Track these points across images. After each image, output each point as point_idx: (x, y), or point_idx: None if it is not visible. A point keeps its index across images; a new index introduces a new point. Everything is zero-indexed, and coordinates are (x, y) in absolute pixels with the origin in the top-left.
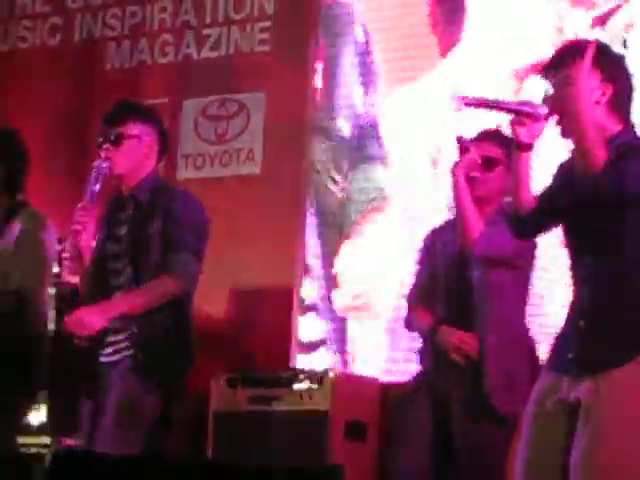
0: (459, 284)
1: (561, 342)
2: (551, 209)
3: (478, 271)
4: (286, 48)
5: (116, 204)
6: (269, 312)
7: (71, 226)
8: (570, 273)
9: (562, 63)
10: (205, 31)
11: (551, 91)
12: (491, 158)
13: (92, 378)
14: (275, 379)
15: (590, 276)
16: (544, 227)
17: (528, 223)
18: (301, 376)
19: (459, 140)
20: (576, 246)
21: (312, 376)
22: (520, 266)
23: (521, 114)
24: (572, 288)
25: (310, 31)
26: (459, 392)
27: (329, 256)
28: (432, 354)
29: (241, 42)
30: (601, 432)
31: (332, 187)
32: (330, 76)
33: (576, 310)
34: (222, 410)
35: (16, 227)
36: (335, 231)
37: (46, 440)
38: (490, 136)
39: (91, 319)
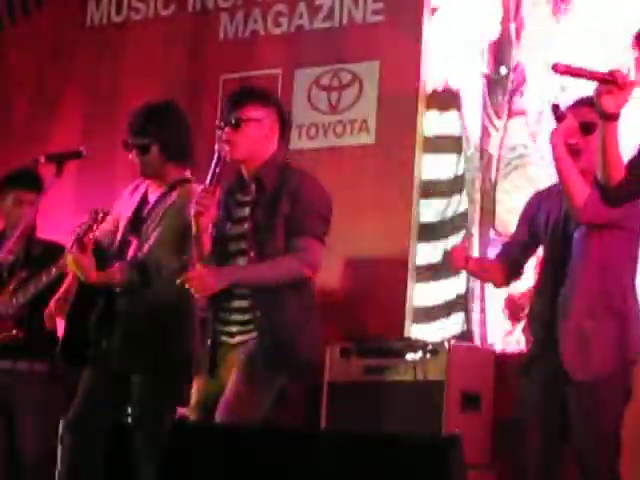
0: (560, 251)
1: None
2: None
3: (579, 234)
4: (399, 17)
5: (237, 186)
6: (383, 281)
7: (193, 208)
8: None
9: None
10: (318, 1)
11: None
12: (589, 123)
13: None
14: (389, 349)
15: None
16: (636, 195)
17: (619, 192)
18: (415, 346)
19: (555, 108)
20: None
21: (426, 347)
22: (629, 228)
23: (607, 82)
24: None
25: (422, 1)
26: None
27: None
28: (541, 325)
29: (354, 12)
30: None
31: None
32: None
33: None
34: (336, 380)
35: (169, 201)
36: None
37: None
38: (586, 102)
39: (212, 280)
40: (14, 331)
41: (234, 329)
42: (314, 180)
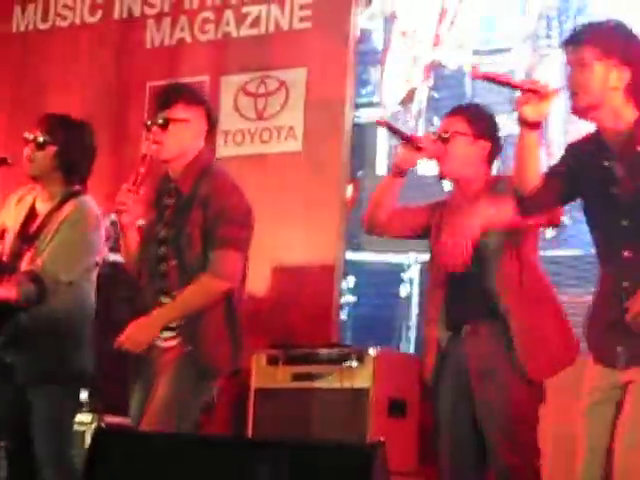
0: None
1: (604, 334)
2: (564, 189)
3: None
4: (326, 24)
5: (163, 187)
6: (311, 288)
7: (115, 206)
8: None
9: (583, 42)
10: (245, 9)
11: (569, 68)
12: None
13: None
14: (316, 356)
15: (630, 267)
16: (551, 205)
17: (534, 201)
18: (342, 353)
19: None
20: (607, 233)
21: (354, 353)
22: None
23: (527, 91)
24: (602, 274)
25: (350, 7)
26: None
27: None
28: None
29: (281, 19)
30: None
31: None
32: None
33: (614, 298)
34: (263, 387)
35: (62, 214)
36: None
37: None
38: (451, 112)
39: (142, 337)
40: None
41: (165, 334)
42: (229, 185)
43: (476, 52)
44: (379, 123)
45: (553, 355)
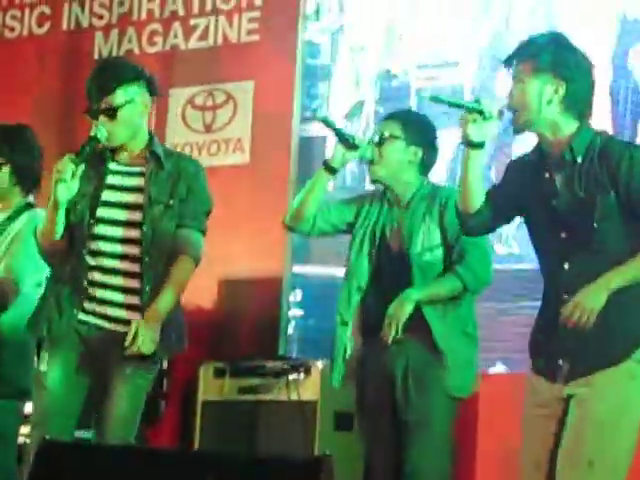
0: None
1: (546, 347)
2: (508, 206)
3: None
4: (274, 37)
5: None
6: (257, 301)
7: (54, 174)
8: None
9: (518, 58)
10: (193, 21)
11: (510, 85)
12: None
13: None
14: (263, 369)
15: (569, 279)
16: (494, 224)
17: (477, 220)
18: (288, 366)
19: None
20: (549, 246)
21: (300, 366)
22: None
23: (473, 111)
24: (545, 287)
25: (298, 20)
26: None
27: None
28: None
29: (229, 32)
30: (591, 420)
31: None
32: None
33: (555, 311)
34: (210, 399)
35: (14, 228)
36: None
37: None
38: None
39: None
40: None
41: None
42: (201, 168)
43: (423, 66)
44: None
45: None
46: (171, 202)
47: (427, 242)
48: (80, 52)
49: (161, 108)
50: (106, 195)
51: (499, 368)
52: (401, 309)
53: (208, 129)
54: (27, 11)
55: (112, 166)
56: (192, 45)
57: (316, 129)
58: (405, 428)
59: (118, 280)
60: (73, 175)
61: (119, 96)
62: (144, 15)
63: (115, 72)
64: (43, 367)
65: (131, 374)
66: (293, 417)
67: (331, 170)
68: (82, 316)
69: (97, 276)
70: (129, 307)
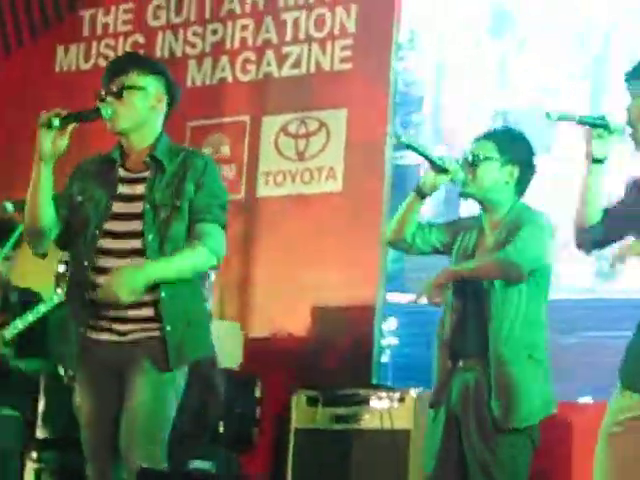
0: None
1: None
2: (624, 225)
3: None
4: (367, 65)
5: (117, 160)
6: (351, 329)
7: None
8: None
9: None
10: (285, 49)
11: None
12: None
13: None
14: (356, 397)
15: None
16: (606, 242)
17: (589, 235)
18: (381, 394)
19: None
20: None
21: (393, 394)
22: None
23: (597, 126)
24: None
25: (391, 48)
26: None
27: None
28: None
29: (322, 60)
30: None
31: None
32: None
33: None
34: (302, 427)
35: None
36: None
37: None
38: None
39: (130, 284)
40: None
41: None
42: (214, 165)
43: (535, 91)
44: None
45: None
46: (178, 203)
47: None
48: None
49: (254, 136)
50: (116, 207)
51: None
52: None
53: (301, 157)
54: (121, 40)
55: (122, 173)
56: (285, 73)
57: (410, 157)
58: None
59: None
60: (61, 128)
61: (132, 78)
62: (237, 43)
63: (135, 57)
64: (77, 400)
65: (149, 369)
66: (386, 446)
67: (422, 195)
68: (93, 334)
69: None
70: (138, 320)
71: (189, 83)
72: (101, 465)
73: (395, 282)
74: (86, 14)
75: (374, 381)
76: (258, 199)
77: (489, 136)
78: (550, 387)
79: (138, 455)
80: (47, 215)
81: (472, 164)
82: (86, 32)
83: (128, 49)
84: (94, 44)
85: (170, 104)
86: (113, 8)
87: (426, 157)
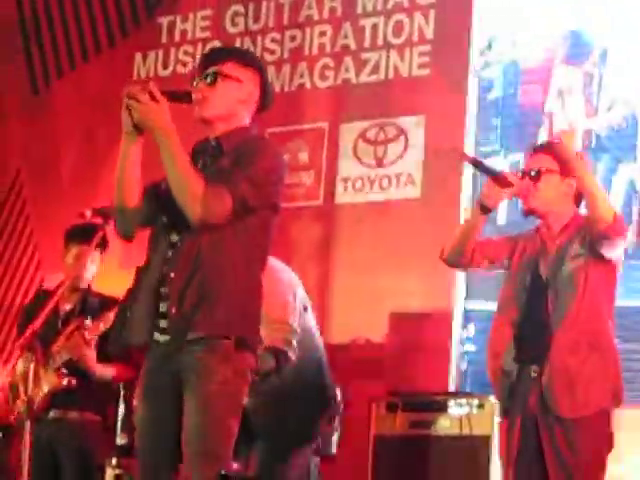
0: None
1: None
2: None
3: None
4: (445, 71)
5: (200, 150)
6: (430, 336)
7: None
8: None
9: None
10: (364, 55)
11: None
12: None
13: None
14: (435, 403)
15: None
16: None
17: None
18: (460, 400)
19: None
20: None
21: (472, 400)
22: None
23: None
24: None
25: (469, 54)
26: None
27: None
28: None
29: (400, 66)
30: None
31: None
32: None
33: None
34: (382, 434)
35: None
36: None
37: None
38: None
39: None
40: (66, 380)
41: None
42: (270, 149)
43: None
44: (464, 157)
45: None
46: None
47: (569, 267)
48: None
49: (332, 142)
50: None
51: None
52: None
53: (379, 163)
54: (199, 46)
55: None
56: (363, 79)
57: (488, 163)
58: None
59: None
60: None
61: (227, 67)
62: (315, 50)
63: (236, 49)
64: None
65: (197, 381)
66: (466, 452)
67: (485, 210)
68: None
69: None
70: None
71: None
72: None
73: (474, 289)
74: (164, 21)
75: (453, 387)
76: (336, 205)
77: (546, 149)
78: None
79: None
80: (131, 194)
81: (533, 178)
82: (164, 39)
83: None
84: (172, 51)
85: (262, 104)
86: (191, 15)
87: (488, 171)
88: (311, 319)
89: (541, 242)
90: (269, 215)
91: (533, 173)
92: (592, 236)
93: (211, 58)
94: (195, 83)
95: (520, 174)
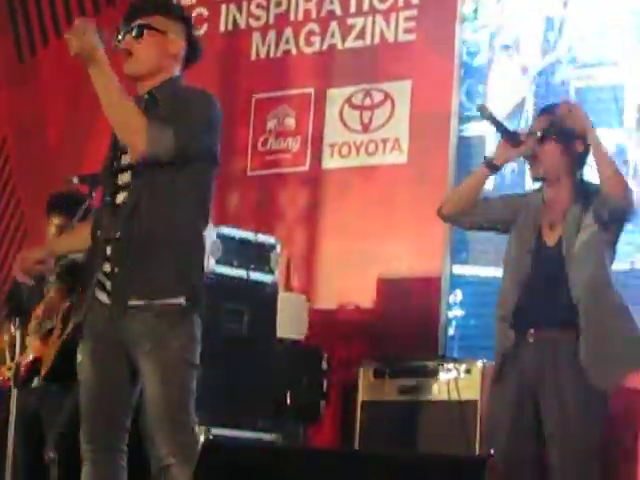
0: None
1: None
2: None
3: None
4: (431, 36)
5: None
6: (417, 301)
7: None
8: None
9: None
10: (350, 21)
11: None
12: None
13: None
14: (423, 369)
15: None
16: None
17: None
18: (448, 365)
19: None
20: None
21: (460, 365)
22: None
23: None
24: None
25: (455, 19)
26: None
27: None
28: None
29: (386, 31)
30: None
31: None
32: None
33: None
34: (369, 399)
35: None
36: None
37: None
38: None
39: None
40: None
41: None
42: (207, 96)
43: (583, 65)
44: (481, 108)
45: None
46: None
47: (584, 236)
48: (237, 53)
49: (319, 108)
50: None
51: None
52: None
53: (366, 129)
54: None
55: None
56: (349, 45)
57: (475, 128)
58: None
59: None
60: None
61: (155, 20)
62: (301, 15)
63: (159, 1)
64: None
65: (152, 350)
66: (453, 417)
67: (493, 167)
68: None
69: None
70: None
71: (253, 56)
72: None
73: (460, 254)
74: None
75: (441, 353)
76: (323, 171)
77: (553, 110)
78: None
79: (165, 438)
80: None
81: (538, 139)
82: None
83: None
84: None
85: (190, 57)
86: None
87: (502, 128)
88: None
89: (545, 208)
90: (209, 168)
91: (539, 134)
92: (603, 206)
93: (136, 11)
94: (120, 36)
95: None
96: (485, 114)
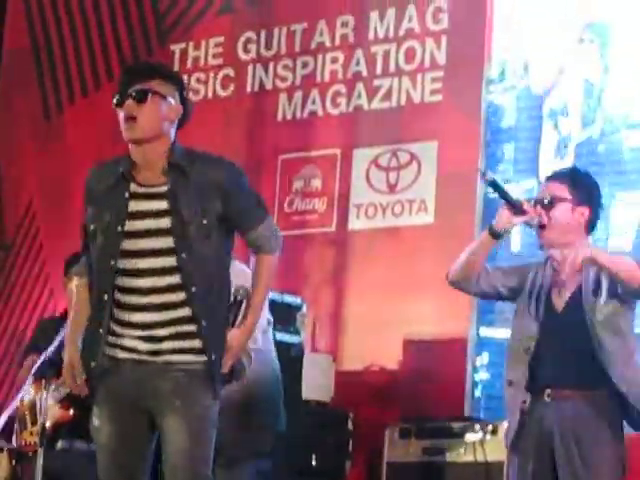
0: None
1: None
2: None
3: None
4: (457, 97)
5: (125, 174)
6: (443, 362)
7: None
8: None
9: None
10: (376, 82)
11: None
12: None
13: None
14: (449, 429)
15: None
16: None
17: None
18: (474, 426)
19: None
20: None
21: (486, 426)
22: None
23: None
24: None
25: (481, 80)
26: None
27: None
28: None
29: (412, 92)
30: None
31: None
32: None
33: None
34: (395, 460)
35: None
36: None
37: None
38: (553, 177)
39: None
40: (71, 411)
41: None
42: (225, 161)
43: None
44: (485, 177)
45: None
46: (204, 222)
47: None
48: (264, 114)
49: (345, 168)
50: (129, 225)
51: None
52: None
53: (392, 189)
54: (212, 74)
55: (134, 188)
56: (375, 105)
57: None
58: None
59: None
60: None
61: (156, 84)
62: (327, 77)
63: (159, 66)
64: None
65: (181, 406)
66: (479, 478)
67: (496, 235)
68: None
69: (125, 315)
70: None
71: (280, 116)
72: None
73: (487, 315)
74: (176, 48)
75: (467, 414)
76: (349, 232)
77: (560, 177)
78: None
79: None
80: None
81: (547, 206)
82: (176, 66)
83: (219, 83)
84: (184, 78)
85: (180, 122)
86: (203, 42)
87: (504, 196)
88: (270, 335)
89: (554, 273)
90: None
91: (546, 201)
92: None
93: (135, 74)
94: (117, 100)
95: (533, 202)
96: (487, 181)
